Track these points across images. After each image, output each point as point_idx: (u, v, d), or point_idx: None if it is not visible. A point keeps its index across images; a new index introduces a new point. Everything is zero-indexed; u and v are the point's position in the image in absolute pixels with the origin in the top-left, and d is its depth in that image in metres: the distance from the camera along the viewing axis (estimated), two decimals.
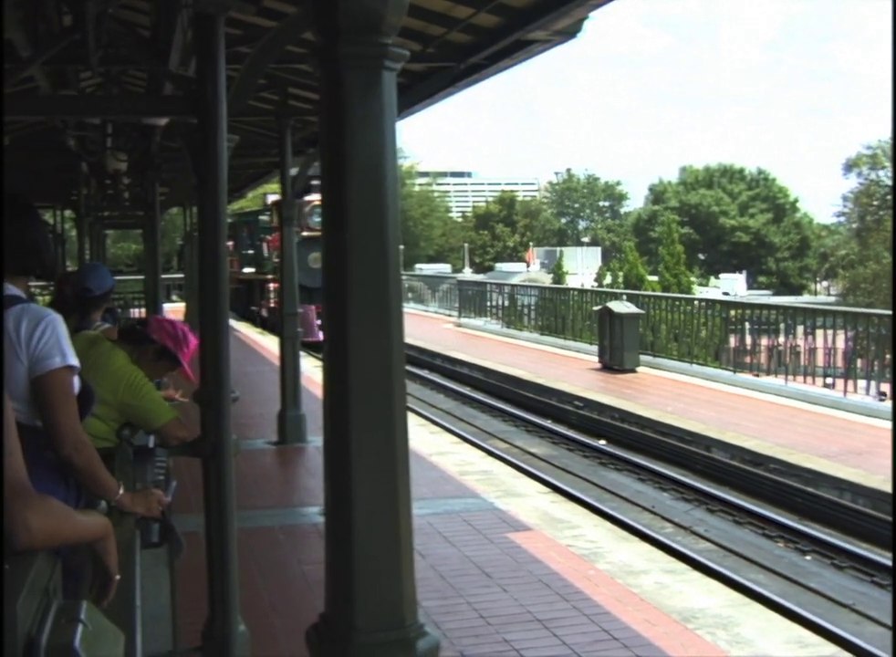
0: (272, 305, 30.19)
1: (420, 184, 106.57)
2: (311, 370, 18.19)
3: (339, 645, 2.94)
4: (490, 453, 12.92)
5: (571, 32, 8.95)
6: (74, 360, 3.35)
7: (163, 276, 24.14)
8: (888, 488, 11.05)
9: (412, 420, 14.90)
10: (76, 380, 3.41)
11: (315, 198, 27.04)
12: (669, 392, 18.28)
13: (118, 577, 2.87)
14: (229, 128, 5.36)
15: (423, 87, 10.56)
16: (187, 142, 5.91)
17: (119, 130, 12.94)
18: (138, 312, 23.48)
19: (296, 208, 20.89)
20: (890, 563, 9.94)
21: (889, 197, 45.18)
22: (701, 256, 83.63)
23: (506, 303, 31.57)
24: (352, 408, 2.95)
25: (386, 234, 2.93)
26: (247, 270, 35.84)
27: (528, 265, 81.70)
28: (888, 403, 15.97)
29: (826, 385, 17.72)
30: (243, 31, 9.02)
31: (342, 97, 2.89)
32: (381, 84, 2.91)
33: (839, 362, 19.06)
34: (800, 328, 20.44)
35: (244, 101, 7.28)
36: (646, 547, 8.73)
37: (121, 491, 3.83)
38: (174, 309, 32.00)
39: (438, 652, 3.08)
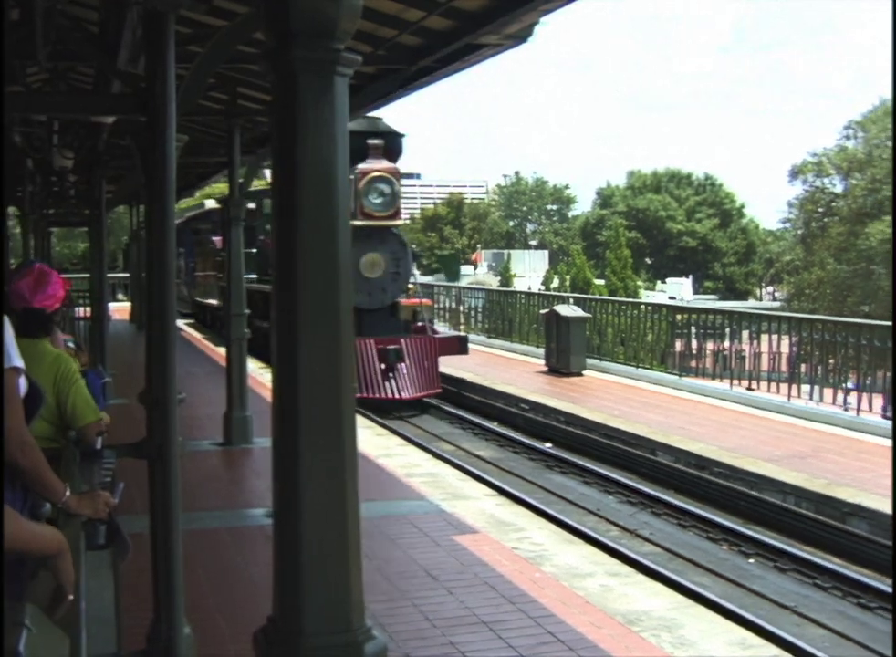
0: None
1: None
2: (257, 371, 18.11)
3: (287, 648, 2.94)
4: (436, 456, 12.93)
5: (522, 36, 8.99)
6: (18, 362, 3.31)
7: (109, 275, 23.90)
8: (830, 492, 11.19)
9: (358, 422, 14.89)
10: (21, 382, 3.36)
11: (374, 165, 20.61)
12: (615, 396, 18.38)
13: (71, 597, 2.83)
14: (178, 127, 5.33)
15: (374, 88, 10.57)
16: (135, 141, 5.88)
17: (66, 126, 12.84)
18: (83, 311, 23.22)
19: (351, 184, 18.26)
20: (830, 565, 10.08)
21: (833, 204, 45.73)
22: (648, 261, 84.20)
23: (453, 305, 31.57)
24: (301, 410, 2.95)
25: (337, 236, 2.93)
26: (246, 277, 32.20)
27: (476, 268, 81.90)
28: (829, 408, 16.16)
29: (748, 388, 17.91)
30: (193, 30, 8.98)
31: (294, 101, 2.89)
32: (333, 89, 2.92)
33: (784, 367, 19.27)
34: (745, 333, 20.65)
35: (194, 100, 7.26)
36: (591, 549, 8.77)
37: (68, 493, 3.79)
38: (120, 308, 31.71)
39: (385, 656, 3.08)
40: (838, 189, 46.08)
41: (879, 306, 40.01)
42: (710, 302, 56.41)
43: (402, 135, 21.87)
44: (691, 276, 77.64)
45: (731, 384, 18.57)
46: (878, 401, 16.36)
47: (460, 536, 8.80)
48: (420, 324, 21.32)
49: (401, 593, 7.36)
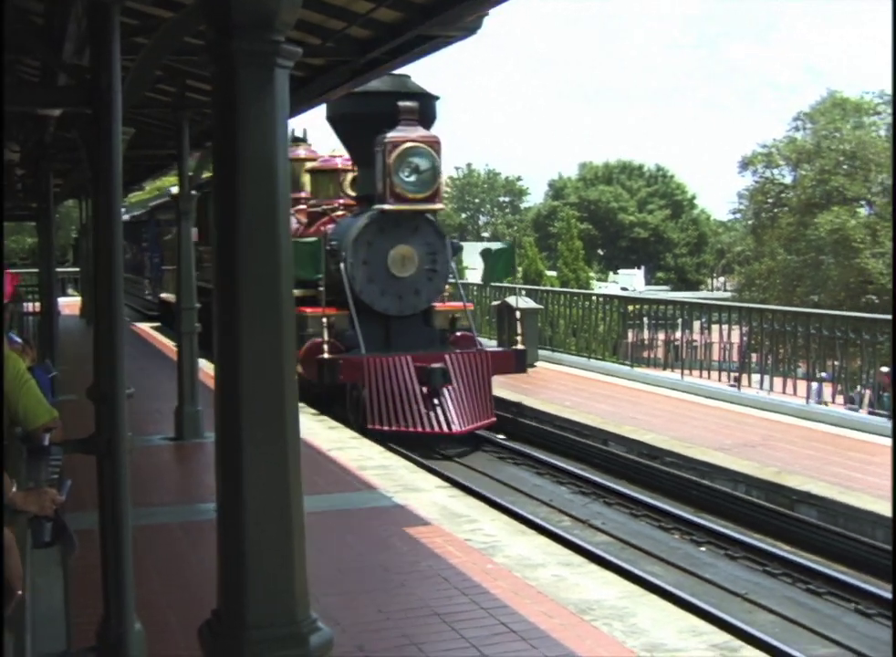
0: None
1: None
2: (209, 365, 18.00)
3: (231, 641, 2.94)
4: (389, 448, 12.91)
5: (471, 28, 8.98)
6: None
7: (58, 270, 23.64)
8: (779, 480, 11.30)
9: (308, 414, 14.84)
10: None
11: (408, 134, 16.40)
12: (567, 387, 18.45)
13: (20, 592, 2.80)
14: (125, 119, 5.29)
15: (323, 80, 10.53)
16: (81, 134, 5.81)
17: (12, 119, 12.67)
18: (32, 306, 22.95)
19: (377, 156, 16.38)
20: (779, 552, 10.19)
21: (783, 195, 46.06)
22: (600, 252, 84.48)
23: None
24: (243, 402, 2.94)
25: (278, 230, 2.92)
26: None
27: None
28: (779, 397, 16.31)
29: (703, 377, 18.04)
30: (140, 21, 8.90)
31: (234, 93, 2.88)
32: (274, 81, 2.91)
33: (734, 357, 19.43)
34: (697, 324, 20.80)
35: (141, 93, 7.20)
36: (544, 540, 8.80)
37: (14, 489, 3.76)
38: (70, 303, 31.40)
39: (331, 647, 3.09)
40: (788, 180, 46.43)
41: (828, 295, 40.39)
42: (662, 293, 56.73)
43: (436, 97, 17.55)
44: (643, 267, 77.96)
45: (682, 374, 18.70)
46: (827, 389, 16.55)
47: (412, 528, 8.81)
48: (459, 333, 17.35)
49: (353, 586, 7.36)
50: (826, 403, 16.13)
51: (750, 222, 48.09)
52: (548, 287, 32.55)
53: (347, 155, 18.65)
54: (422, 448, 15.01)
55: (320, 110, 17.18)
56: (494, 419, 15.80)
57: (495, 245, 18.46)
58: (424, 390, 15.22)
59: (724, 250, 61.52)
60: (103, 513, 5.25)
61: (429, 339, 16.98)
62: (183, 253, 12.96)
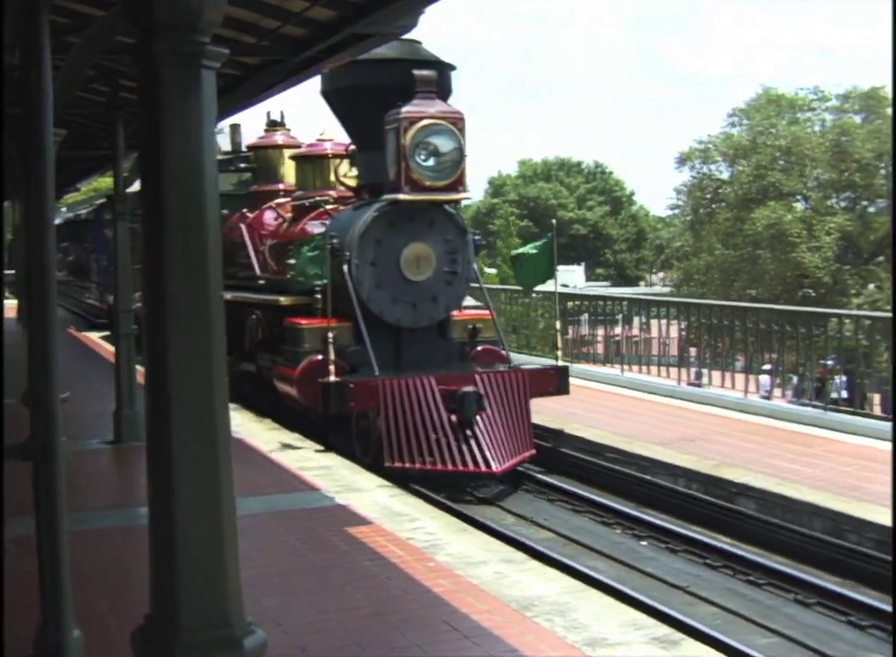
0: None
1: None
2: None
3: (164, 645, 2.92)
4: (329, 449, 12.87)
5: (407, 25, 8.99)
6: None
7: None
8: (718, 473, 11.40)
9: (249, 417, 14.75)
10: None
11: (426, 109, 13.42)
12: None
13: None
14: (57, 120, 5.22)
15: (258, 80, 10.48)
16: (11, 134, 5.74)
17: None
18: None
19: (390, 136, 13.33)
20: (719, 544, 10.28)
21: (720, 190, 46.50)
22: None
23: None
24: (172, 402, 2.91)
25: (206, 233, 2.90)
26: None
27: None
28: (718, 390, 16.46)
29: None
30: (70, 20, 8.79)
31: (159, 95, 2.85)
32: (200, 83, 2.88)
33: (674, 351, 19.60)
34: (636, 319, 20.95)
35: (73, 92, 7.12)
36: (485, 537, 8.82)
37: None
38: (8, 306, 30.90)
39: (265, 650, 3.07)
40: (725, 175, 46.86)
41: (765, 289, 40.84)
42: (602, 289, 57.03)
43: (452, 67, 14.58)
44: (583, 264, 78.36)
45: (622, 369, 18.82)
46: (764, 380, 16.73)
47: (354, 527, 8.79)
48: (480, 348, 14.56)
49: (294, 587, 7.32)
50: (769, 398, 16.33)
51: (688, 217, 48.50)
52: (489, 285, 32.56)
53: (336, 139, 16.44)
54: (449, 488, 12.73)
55: (311, 87, 15.98)
56: (534, 451, 13.20)
57: (531, 243, 15.13)
58: (454, 418, 12.49)
59: (662, 246, 62.01)
60: (39, 519, 5.18)
61: (446, 355, 14.30)
62: (120, 256, 12.82)
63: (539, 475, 13.36)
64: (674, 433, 13.48)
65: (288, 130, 19.07)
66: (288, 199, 17.08)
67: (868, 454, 12.20)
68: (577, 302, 23.15)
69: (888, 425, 13.73)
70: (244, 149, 19.37)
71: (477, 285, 15.03)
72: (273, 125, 19.05)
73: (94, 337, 26.81)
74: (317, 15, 8.76)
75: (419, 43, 14.33)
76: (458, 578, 7.47)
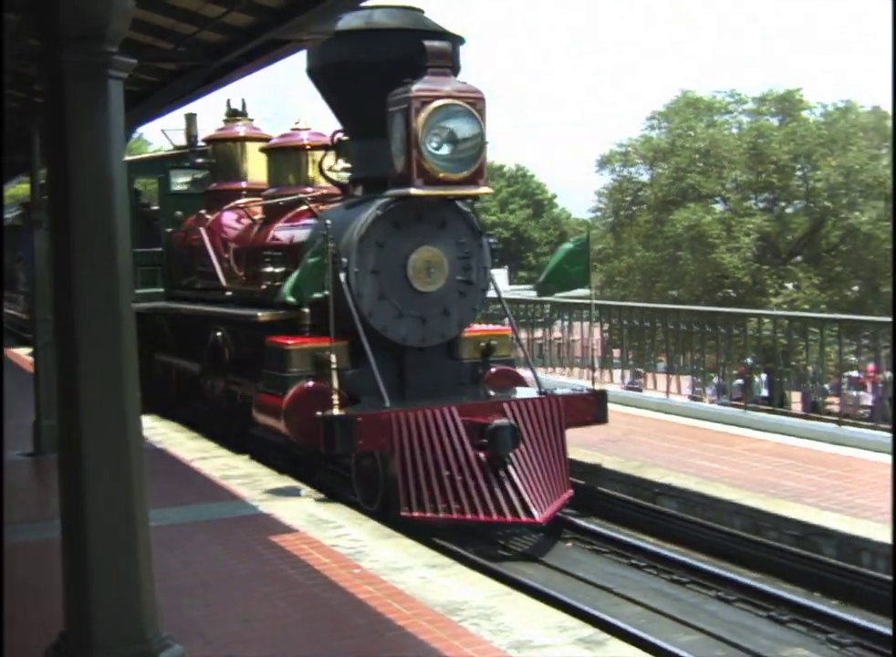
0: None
1: None
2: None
3: None
4: (254, 457, 12.77)
5: (325, 32, 8.98)
6: None
7: None
8: (641, 473, 11.51)
9: (171, 426, 14.60)
10: None
11: (441, 86, 11.01)
12: None
13: None
14: None
15: (176, 86, 10.39)
16: None
17: None
18: None
19: (396, 118, 10.97)
20: (644, 545, 10.37)
21: (640, 193, 46.93)
22: None
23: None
24: (82, 414, 2.87)
25: (115, 243, 2.87)
26: (145, 292, 16.78)
27: None
28: (643, 393, 16.62)
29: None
30: None
31: (66, 106, 2.80)
32: (107, 92, 2.84)
33: (596, 353, 19.75)
34: (559, 322, 21.08)
35: None
36: (410, 543, 8.81)
37: None
38: None
39: None
40: (645, 178, 47.29)
41: (686, 290, 41.28)
42: (524, 292, 57.29)
43: (461, 40, 12.11)
44: (506, 267, 78.70)
45: (546, 372, 18.91)
46: (685, 381, 16.93)
47: (278, 536, 8.75)
48: (494, 369, 12.43)
49: (219, 596, 7.28)
50: (701, 399, 16.54)
51: (609, 220, 48.82)
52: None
53: (314, 128, 14.47)
54: (472, 536, 10.75)
55: (294, 63, 12.90)
56: (572, 492, 11.22)
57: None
58: (482, 456, 10.44)
59: None
60: None
61: (456, 378, 12.25)
62: (37, 263, 12.64)
63: None
64: (599, 435, 13.56)
65: (251, 120, 16.99)
66: (257, 198, 15.17)
67: (787, 452, 12.41)
68: (499, 306, 23.15)
69: (807, 423, 13.96)
70: (200, 142, 16.72)
71: (495, 295, 13.29)
72: (233, 115, 16.88)
73: (23, 353, 24.29)
74: (235, 21, 8.70)
75: (421, 11, 12.15)
76: (383, 584, 7.48)
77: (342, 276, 11.07)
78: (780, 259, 42.04)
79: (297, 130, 14.50)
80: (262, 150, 15.12)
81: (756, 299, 38.21)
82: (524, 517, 10.25)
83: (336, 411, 10.22)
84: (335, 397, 10.28)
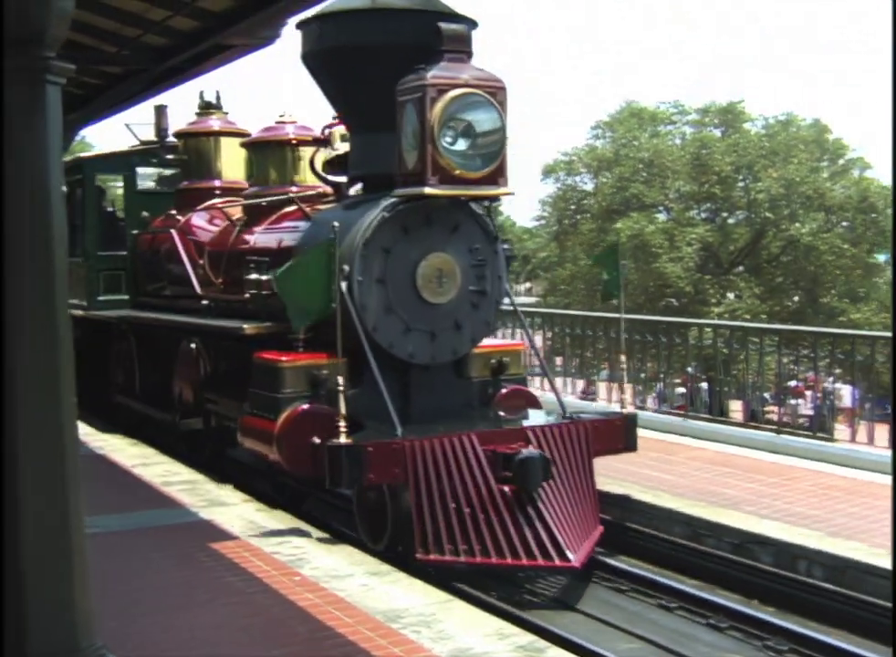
0: None
1: None
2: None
3: None
4: (196, 463, 12.67)
5: (269, 37, 9.00)
6: None
7: None
8: None
9: (118, 433, 14.45)
10: None
11: (458, 73, 9.72)
12: None
13: None
14: None
15: (121, 89, 10.36)
16: None
17: None
18: None
19: (406, 109, 9.55)
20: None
21: (584, 202, 47.19)
22: None
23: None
24: (16, 420, 2.83)
25: (51, 247, 2.84)
26: (108, 299, 15.83)
27: None
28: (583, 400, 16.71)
29: None
30: None
31: (1, 111, 2.76)
32: (45, 98, 2.80)
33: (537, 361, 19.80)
34: (501, 330, 21.12)
35: None
36: (351, 550, 8.79)
37: None
38: None
39: None
40: (589, 187, 47.52)
41: (628, 299, 41.48)
42: None
43: (474, 23, 10.67)
44: None
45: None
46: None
47: (219, 543, 8.68)
48: (505, 389, 11.13)
49: (159, 605, 7.23)
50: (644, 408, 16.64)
51: (553, 228, 49.03)
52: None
53: (300, 122, 13.06)
54: (495, 579, 9.57)
55: (284, 46, 11.33)
56: (602, 529, 10.01)
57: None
58: (507, 490, 9.18)
59: (528, 256, 62.60)
60: None
61: (464, 399, 10.88)
62: None
63: None
64: None
65: (226, 113, 15.58)
66: (236, 198, 13.92)
67: (727, 461, 12.53)
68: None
69: (746, 432, 14.10)
70: (171, 137, 15.26)
71: (511, 307, 11.87)
72: (207, 107, 15.37)
73: None
74: (179, 25, 8.71)
75: None
76: (324, 591, 7.45)
77: (343, 286, 9.75)
78: (722, 269, 42.43)
79: (282, 123, 13.01)
80: (243, 145, 13.96)
81: (698, 309, 38.56)
82: (558, 561, 9.00)
83: (343, 440, 9.00)
84: (342, 423, 9.03)
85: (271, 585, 7.57)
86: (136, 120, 17.14)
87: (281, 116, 13.10)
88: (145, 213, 15.71)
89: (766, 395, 18.94)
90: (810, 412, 19.61)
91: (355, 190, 11.36)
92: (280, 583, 7.62)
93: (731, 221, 44.42)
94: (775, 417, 15.45)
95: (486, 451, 9.35)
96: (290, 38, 10.64)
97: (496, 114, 9.76)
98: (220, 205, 14.07)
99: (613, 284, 11.75)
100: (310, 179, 12.49)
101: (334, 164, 11.50)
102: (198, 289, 13.24)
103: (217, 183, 14.93)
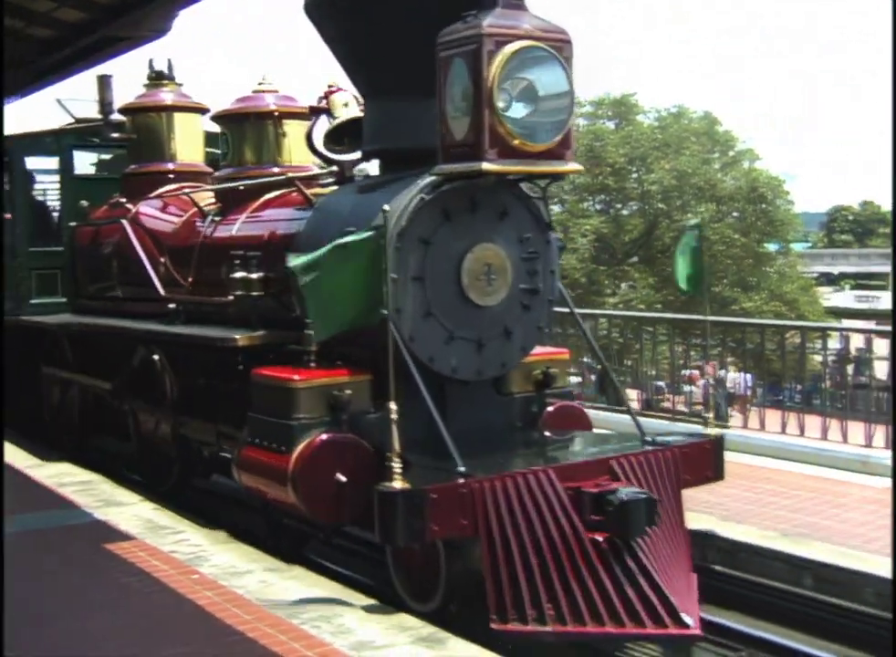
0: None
1: None
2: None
3: None
4: (91, 463, 12.43)
5: (160, 29, 8.88)
6: None
7: None
8: None
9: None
10: None
11: (517, 23, 7.45)
12: None
13: None
14: None
15: (5, 81, 10.12)
16: None
17: None
18: None
19: (458, 64, 7.31)
20: None
21: None
22: None
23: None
24: None
25: None
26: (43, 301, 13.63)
27: None
28: None
29: None
30: None
31: None
32: None
33: None
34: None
35: None
36: (250, 548, 8.71)
37: None
38: None
39: None
40: None
41: None
42: None
43: None
44: None
45: None
46: None
47: (114, 544, 8.54)
48: (552, 406, 9.08)
49: (54, 609, 7.10)
50: None
51: None
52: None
53: (281, 91, 11.07)
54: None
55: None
56: (695, 575, 7.86)
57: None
58: (600, 539, 7.17)
59: None
60: None
61: (506, 418, 8.91)
62: None
63: None
64: None
65: (180, 85, 13.22)
66: (197, 184, 12.18)
67: None
68: None
69: (641, 420, 14.27)
70: (115, 113, 12.93)
71: (567, 309, 9.73)
72: (158, 78, 13.11)
73: None
74: (66, 16, 8.57)
75: None
76: (223, 589, 7.38)
77: None
78: (616, 260, 43.03)
79: (261, 91, 10.93)
80: (214, 118, 11.43)
81: (593, 299, 39.04)
82: (673, 627, 7.09)
83: (398, 484, 6.83)
84: (396, 462, 6.84)
85: (169, 584, 7.47)
86: (68, 95, 14.32)
87: (260, 83, 11.02)
88: (83, 203, 13.45)
89: (661, 384, 19.22)
90: (701, 399, 19.97)
91: (358, 170, 9.64)
92: (178, 582, 7.52)
93: (624, 212, 45.08)
94: (669, 405, 15.71)
95: (569, 489, 7.35)
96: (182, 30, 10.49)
97: (563, 73, 7.73)
98: (189, 189, 11.64)
99: (694, 278, 9.33)
100: (296, 158, 10.75)
101: (332, 139, 9.61)
102: (161, 291, 11.13)
103: (171, 166, 12.85)
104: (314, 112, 9.77)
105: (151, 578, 7.63)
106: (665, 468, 7.98)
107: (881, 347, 14.49)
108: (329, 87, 9.79)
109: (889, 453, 11.72)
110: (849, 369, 18.40)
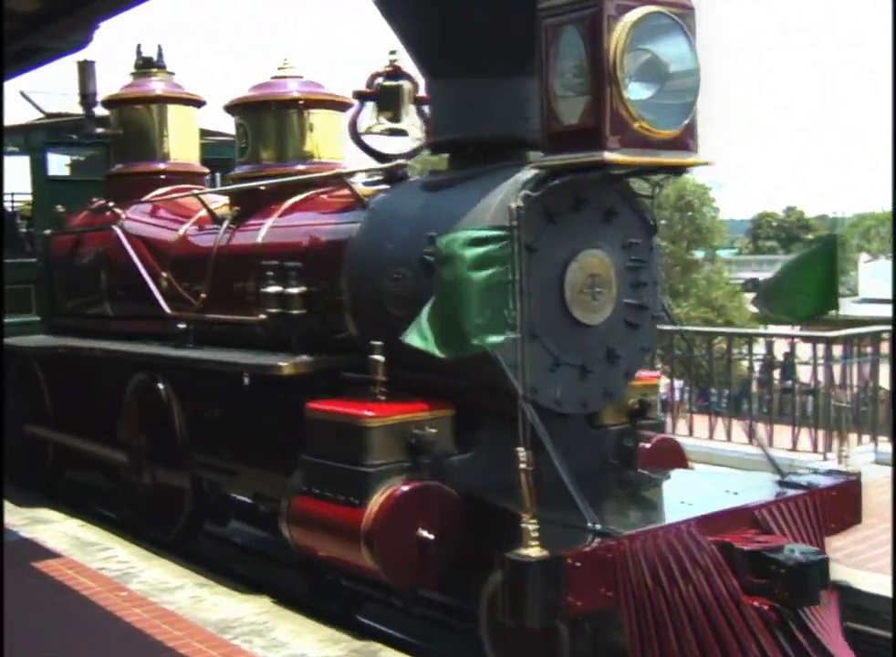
0: None
1: None
2: None
3: None
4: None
5: (81, 40, 8.79)
6: None
7: None
8: None
9: None
10: None
11: None
12: None
13: None
14: None
15: None
16: None
17: None
18: None
19: (571, 33, 5.67)
20: None
21: None
22: None
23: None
24: None
25: None
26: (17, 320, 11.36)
27: None
28: None
29: None
30: None
31: None
32: None
33: None
34: None
35: None
36: (179, 563, 8.61)
37: None
38: None
39: None
40: None
41: None
42: None
43: None
44: None
45: None
46: None
47: (41, 562, 8.41)
48: (649, 442, 7.78)
49: None
50: None
51: None
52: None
53: (306, 76, 9.56)
54: None
55: None
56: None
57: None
58: (763, 607, 5.88)
59: None
60: None
61: (599, 455, 7.60)
62: None
63: None
64: None
65: (171, 74, 11.74)
66: (194, 187, 10.84)
67: None
68: None
69: None
70: (98, 106, 11.32)
71: (675, 327, 8.94)
72: (146, 65, 11.62)
73: None
74: None
75: None
76: (153, 605, 7.31)
77: None
78: None
79: (283, 77, 9.47)
80: (228, 108, 9.58)
81: None
82: None
83: (534, 552, 5.35)
84: (531, 521, 5.37)
85: (97, 602, 7.37)
86: (33, 88, 12.96)
87: (281, 67, 9.54)
88: (59, 208, 11.80)
89: None
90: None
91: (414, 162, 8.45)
92: (107, 600, 7.43)
93: None
94: None
95: (724, 551, 6.03)
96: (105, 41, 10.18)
97: (689, 46, 6.26)
98: (196, 192, 10.15)
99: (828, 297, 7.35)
100: (325, 154, 9.40)
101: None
102: (166, 308, 9.58)
103: (163, 166, 11.34)
104: (359, 98, 8.21)
105: (79, 597, 7.53)
106: (814, 516, 6.69)
107: (805, 351, 14.68)
108: (386, 66, 8.09)
109: (815, 457, 11.93)
110: (776, 373, 18.65)
